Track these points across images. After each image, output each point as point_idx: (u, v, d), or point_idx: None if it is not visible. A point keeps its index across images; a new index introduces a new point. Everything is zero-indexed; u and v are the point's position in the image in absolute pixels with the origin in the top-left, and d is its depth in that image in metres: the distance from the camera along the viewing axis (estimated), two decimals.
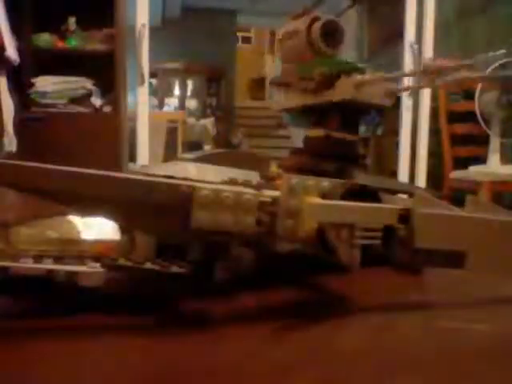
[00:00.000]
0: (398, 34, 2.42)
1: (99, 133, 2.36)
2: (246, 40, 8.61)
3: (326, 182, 0.31)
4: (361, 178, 0.39)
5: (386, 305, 0.32)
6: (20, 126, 2.19)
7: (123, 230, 0.32)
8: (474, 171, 2.05)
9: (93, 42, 2.43)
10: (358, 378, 0.22)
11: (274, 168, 0.49)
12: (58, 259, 0.29)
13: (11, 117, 2.09)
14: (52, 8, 2.30)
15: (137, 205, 0.28)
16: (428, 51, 2.18)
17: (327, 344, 0.26)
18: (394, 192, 0.42)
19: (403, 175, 2.20)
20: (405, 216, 0.28)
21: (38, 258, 0.29)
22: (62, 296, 0.28)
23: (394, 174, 2.34)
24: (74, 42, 2.41)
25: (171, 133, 3.27)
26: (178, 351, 0.24)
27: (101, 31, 2.43)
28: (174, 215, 0.27)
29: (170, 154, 3.13)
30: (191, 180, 0.31)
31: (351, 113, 0.48)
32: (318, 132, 0.48)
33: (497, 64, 2.11)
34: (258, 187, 0.32)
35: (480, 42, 2.47)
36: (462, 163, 2.20)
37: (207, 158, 0.47)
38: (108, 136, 2.38)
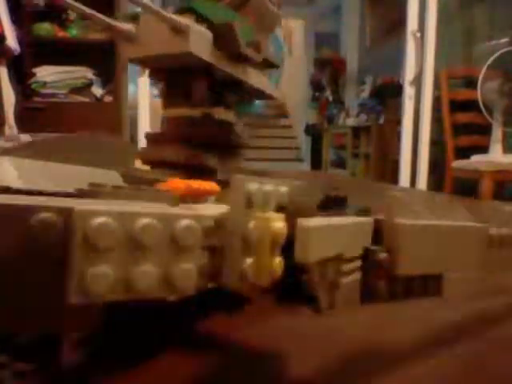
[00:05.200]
0: (401, 22, 2.40)
1: (100, 123, 2.35)
2: None
3: (283, 187, 0.20)
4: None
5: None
6: (21, 115, 2.18)
7: None
8: (476, 160, 2.04)
9: (93, 32, 2.42)
10: None
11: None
12: None
13: (12, 106, 2.08)
14: None
15: None
16: (431, 39, 2.16)
17: None
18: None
19: (405, 164, 2.20)
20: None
21: None
22: None
23: (395, 163, 2.33)
24: (74, 32, 2.40)
25: None
26: None
27: None
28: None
29: None
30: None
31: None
32: (189, 111, 0.30)
33: (500, 52, 2.09)
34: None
35: (483, 29, 2.45)
36: (465, 152, 2.20)
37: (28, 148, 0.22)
38: (109, 126, 2.37)
